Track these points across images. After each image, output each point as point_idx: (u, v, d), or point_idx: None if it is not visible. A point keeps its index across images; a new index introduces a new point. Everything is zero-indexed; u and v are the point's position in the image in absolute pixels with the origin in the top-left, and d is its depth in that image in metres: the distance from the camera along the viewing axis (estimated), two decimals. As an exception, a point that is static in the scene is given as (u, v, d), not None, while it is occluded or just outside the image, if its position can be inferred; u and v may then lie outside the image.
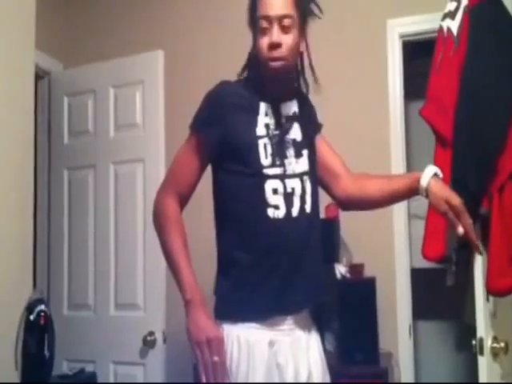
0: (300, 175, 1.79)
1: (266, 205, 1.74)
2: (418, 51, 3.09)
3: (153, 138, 3.26)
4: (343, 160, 1.99)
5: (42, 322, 2.35)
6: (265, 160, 1.76)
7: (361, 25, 3.09)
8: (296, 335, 1.78)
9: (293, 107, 1.87)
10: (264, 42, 1.75)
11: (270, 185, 1.75)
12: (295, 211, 1.76)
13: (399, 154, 3.16)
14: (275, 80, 1.78)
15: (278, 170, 1.76)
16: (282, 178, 1.76)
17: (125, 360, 3.13)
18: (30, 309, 2.33)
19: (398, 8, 3.15)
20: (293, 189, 1.77)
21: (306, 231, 1.78)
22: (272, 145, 1.78)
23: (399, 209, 3.11)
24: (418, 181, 1.73)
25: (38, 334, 2.33)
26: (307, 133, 1.88)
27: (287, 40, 1.74)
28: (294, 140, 1.82)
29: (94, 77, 3.47)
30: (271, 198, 1.75)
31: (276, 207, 1.74)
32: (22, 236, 2.51)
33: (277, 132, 1.80)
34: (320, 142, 1.96)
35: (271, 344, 1.71)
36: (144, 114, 3.30)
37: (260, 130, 1.79)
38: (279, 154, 1.78)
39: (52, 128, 3.61)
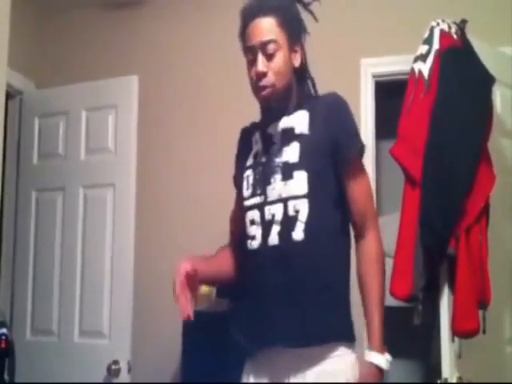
0: (285, 200, 1.70)
1: (246, 236, 1.76)
2: (390, 91, 3.15)
3: (124, 163, 3.25)
4: (365, 210, 1.77)
5: (2, 345, 2.33)
6: (246, 191, 1.79)
7: (334, 63, 3.12)
8: (275, 371, 1.71)
9: (294, 122, 1.77)
10: (252, 72, 1.76)
11: (248, 216, 1.77)
12: (273, 239, 1.70)
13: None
14: (268, 106, 1.78)
15: (257, 199, 1.75)
16: (262, 206, 1.73)
17: (88, 389, 3.08)
18: (-10, 332, 2.30)
19: (371, 48, 3.20)
20: (273, 216, 1.71)
21: (290, 261, 1.68)
22: (255, 174, 1.78)
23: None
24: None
25: (-2, 357, 2.30)
26: (314, 153, 1.73)
27: (273, 66, 1.73)
28: (285, 162, 1.72)
29: (67, 99, 3.46)
30: (249, 229, 1.75)
31: (253, 238, 1.74)
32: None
33: (262, 160, 1.79)
34: (346, 180, 1.75)
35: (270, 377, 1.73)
36: (116, 138, 3.30)
37: (249, 161, 1.82)
38: (261, 182, 1.75)
39: (21, 148, 3.57)
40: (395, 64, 3.09)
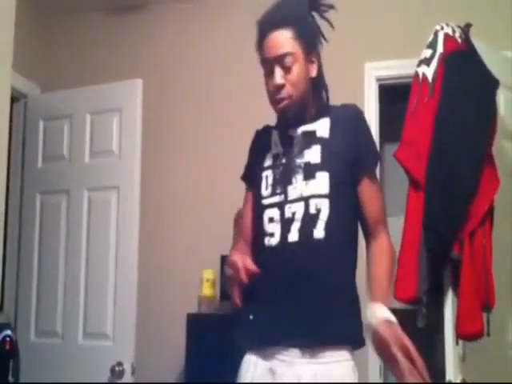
0: (306, 198, 1.72)
1: (264, 234, 1.77)
2: (394, 95, 3.16)
3: (128, 166, 3.26)
4: (379, 216, 1.81)
5: (7, 347, 2.32)
6: (265, 191, 1.81)
7: (338, 67, 3.07)
8: (297, 369, 1.67)
9: (315, 127, 1.81)
10: (269, 84, 1.78)
11: (267, 214, 1.78)
12: (293, 236, 1.71)
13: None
14: (286, 117, 1.80)
15: (276, 199, 1.77)
16: (282, 204, 1.75)
17: (92, 390, 3.08)
18: (-5, 333, 2.29)
19: (375, 52, 3.22)
20: (293, 213, 1.73)
21: (310, 258, 1.70)
22: (274, 174, 1.81)
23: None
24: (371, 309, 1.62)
25: (2, 359, 2.29)
26: (335, 157, 1.76)
27: (291, 78, 1.75)
28: (306, 163, 1.76)
29: (72, 102, 3.46)
30: (267, 227, 1.77)
31: (271, 235, 1.75)
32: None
33: (283, 161, 1.81)
34: (362, 188, 1.79)
35: (272, 371, 1.70)
36: (120, 141, 3.30)
37: (267, 162, 1.84)
38: (281, 182, 1.78)
39: (26, 151, 3.58)
40: (399, 68, 3.11)
